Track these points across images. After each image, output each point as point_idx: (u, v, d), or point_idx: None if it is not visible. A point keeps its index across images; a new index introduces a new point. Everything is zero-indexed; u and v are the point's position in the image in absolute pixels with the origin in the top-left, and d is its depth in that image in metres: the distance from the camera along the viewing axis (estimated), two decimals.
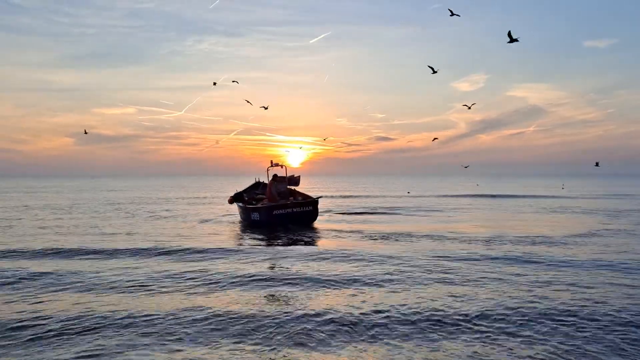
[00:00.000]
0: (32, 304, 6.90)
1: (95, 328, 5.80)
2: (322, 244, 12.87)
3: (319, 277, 8.51)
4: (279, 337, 5.48)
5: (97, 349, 5.13)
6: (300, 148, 28.28)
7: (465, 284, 7.96)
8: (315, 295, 7.32)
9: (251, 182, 22.75)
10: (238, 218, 21.14)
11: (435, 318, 6.10)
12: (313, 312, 6.34)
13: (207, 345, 5.28)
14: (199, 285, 8.03)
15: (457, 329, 5.76)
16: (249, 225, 18.87)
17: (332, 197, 39.83)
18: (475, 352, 5.06)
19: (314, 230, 16.06)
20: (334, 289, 7.73)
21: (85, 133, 26.15)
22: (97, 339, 5.44)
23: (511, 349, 5.12)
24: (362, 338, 5.48)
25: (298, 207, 18.04)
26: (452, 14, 12.38)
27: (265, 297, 7.25)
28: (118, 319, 6.10)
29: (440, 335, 5.55)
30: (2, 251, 11.46)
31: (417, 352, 5.08)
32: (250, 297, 7.22)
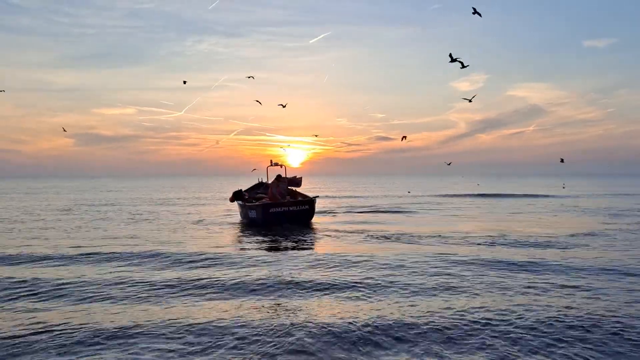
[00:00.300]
0: (26, 312, 6.75)
1: (82, 342, 5.63)
2: (322, 247, 12.67)
3: (318, 283, 8.27)
4: (273, 350, 5.32)
5: None
6: (288, 146, 28.36)
7: (471, 291, 7.64)
8: (313, 303, 7.08)
9: (253, 182, 23.09)
10: (238, 218, 21.31)
11: (440, 329, 5.88)
12: (310, 323, 6.12)
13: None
14: (190, 293, 7.72)
15: (467, 344, 5.46)
16: (247, 224, 19.11)
17: (333, 197, 39.70)
18: None
19: (313, 231, 15.90)
20: (334, 296, 7.50)
21: (64, 131, 25.68)
22: (86, 355, 5.28)
23: None
24: (361, 351, 5.32)
25: (294, 206, 18.25)
26: (475, 12, 12.14)
27: (261, 306, 6.98)
28: (104, 331, 5.93)
29: (448, 351, 5.32)
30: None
31: None
32: (245, 306, 6.98)
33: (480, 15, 12.07)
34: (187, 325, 6.05)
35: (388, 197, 38.99)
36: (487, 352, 5.18)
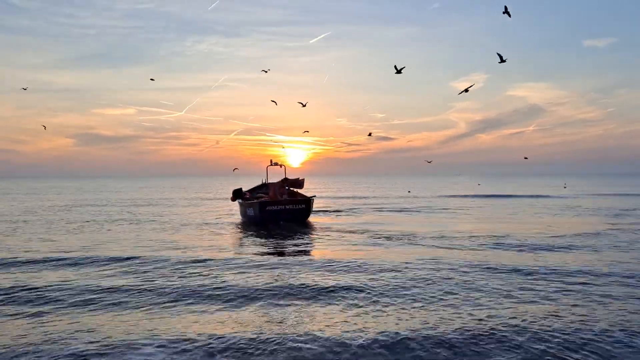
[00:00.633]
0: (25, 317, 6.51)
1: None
2: (323, 250, 12.41)
3: (319, 288, 7.97)
4: None
5: None
6: (286, 146, 28.47)
7: (476, 301, 7.34)
8: (313, 312, 6.77)
9: (256, 182, 23.31)
10: (239, 217, 21.41)
11: (446, 340, 5.61)
12: (309, 333, 5.84)
13: None
14: (186, 302, 7.36)
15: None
16: (246, 222, 19.36)
17: (334, 197, 39.50)
18: None
19: (315, 233, 15.66)
20: (335, 303, 7.19)
21: (45, 128, 25.60)
22: None
23: None
24: None
25: (291, 205, 18.61)
26: (506, 11, 11.93)
27: (260, 315, 6.65)
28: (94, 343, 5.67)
29: None
30: None
31: None
32: (243, 315, 6.66)
33: (509, 15, 11.85)
34: (181, 337, 5.72)
35: (389, 198, 38.76)
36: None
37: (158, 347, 5.37)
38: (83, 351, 5.26)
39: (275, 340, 5.56)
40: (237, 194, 21.20)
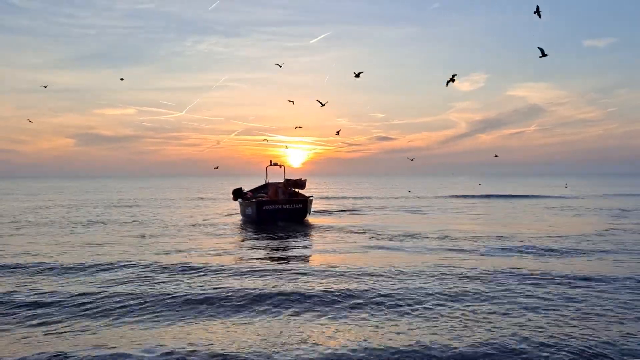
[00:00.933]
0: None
1: None
2: (322, 254, 12.10)
3: (321, 296, 7.57)
4: None
5: None
6: (286, 147, 28.41)
7: (484, 313, 7.00)
8: (313, 322, 6.36)
9: (255, 181, 23.61)
10: (239, 217, 21.46)
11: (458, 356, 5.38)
12: (307, 345, 5.54)
13: None
14: (181, 311, 6.99)
15: None
16: (246, 221, 19.51)
17: (335, 197, 39.30)
18: None
19: (315, 235, 15.43)
20: (336, 313, 6.78)
21: (30, 122, 25.38)
22: None
23: None
24: None
25: (288, 204, 18.78)
26: (537, 12, 11.78)
27: (259, 326, 6.29)
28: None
29: None
30: None
31: None
32: (237, 326, 6.32)
33: (540, 16, 11.68)
34: (171, 348, 5.40)
35: (390, 198, 38.54)
36: None
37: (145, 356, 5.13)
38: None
39: (268, 354, 5.27)
40: (237, 194, 21.37)
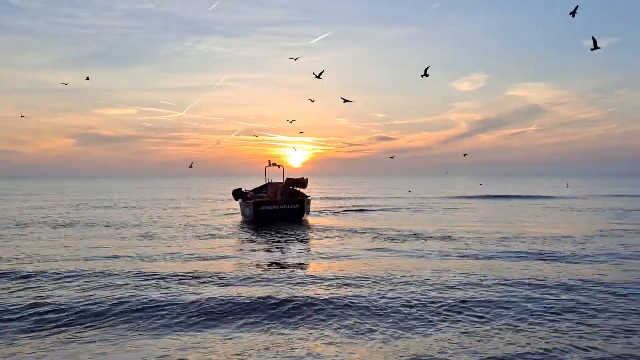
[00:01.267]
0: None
1: None
2: (322, 257, 11.83)
3: (321, 305, 7.11)
4: None
5: None
6: (295, 149, 28.41)
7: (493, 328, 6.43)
8: (313, 335, 5.96)
9: (257, 182, 23.86)
10: (240, 217, 21.55)
11: None
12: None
13: None
14: (175, 321, 6.62)
15: None
16: (245, 221, 19.71)
17: (335, 198, 39.11)
18: None
19: (315, 236, 15.22)
20: (337, 324, 6.37)
21: (24, 117, 24.89)
22: None
23: None
24: None
25: (285, 205, 19.07)
26: (574, 11, 11.81)
27: (257, 339, 5.91)
28: None
29: None
30: None
31: None
32: (233, 339, 6.02)
33: (573, 16, 11.74)
34: None
35: (390, 198, 38.36)
36: None
37: None
38: None
39: None
40: (237, 194, 21.55)
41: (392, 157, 26.55)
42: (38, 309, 6.76)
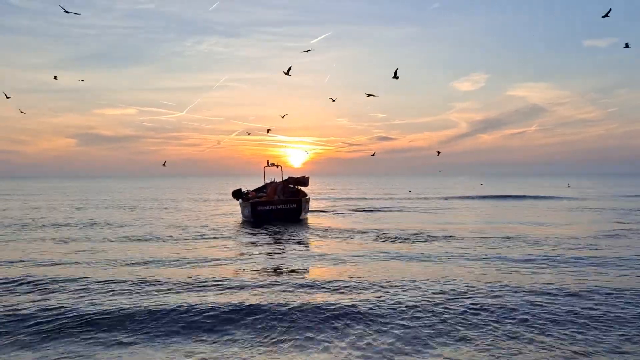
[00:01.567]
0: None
1: None
2: (320, 260, 11.64)
3: (314, 316, 6.74)
4: None
5: None
6: (307, 152, 28.87)
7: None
8: (313, 348, 5.64)
9: (257, 182, 23.96)
10: (237, 217, 21.59)
11: None
12: None
13: None
14: (172, 331, 6.48)
15: None
16: (245, 221, 19.78)
17: (336, 198, 38.97)
18: None
19: (316, 237, 15.08)
20: (337, 334, 6.12)
21: (23, 113, 24.22)
22: None
23: None
24: None
25: (282, 205, 19.15)
26: (608, 13, 11.85)
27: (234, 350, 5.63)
28: None
29: None
30: None
31: None
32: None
33: (608, 15, 11.78)
34: None
35: (391, 198, 38.22)
36: None
37: None
38: None
39: None
40: (237, 194, 21.59)
41: (373, 155, 26.58)
42: (29, 313, 6.63)
